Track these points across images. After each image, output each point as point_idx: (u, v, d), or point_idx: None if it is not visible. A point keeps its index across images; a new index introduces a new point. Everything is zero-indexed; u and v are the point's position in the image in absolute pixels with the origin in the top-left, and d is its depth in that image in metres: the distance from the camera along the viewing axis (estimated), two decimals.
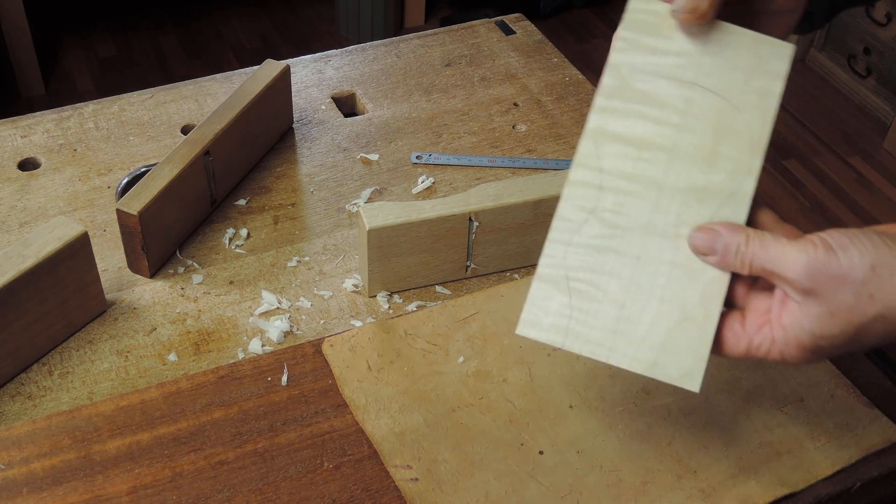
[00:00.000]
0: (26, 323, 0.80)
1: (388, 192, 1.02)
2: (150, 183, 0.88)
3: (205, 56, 2.77)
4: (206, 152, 0.94)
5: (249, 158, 1.03)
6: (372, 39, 2.23)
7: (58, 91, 2.60)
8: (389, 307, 0.89)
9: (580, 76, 1.20)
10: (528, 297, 0.62)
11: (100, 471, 0.72)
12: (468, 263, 0.91)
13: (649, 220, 0.62)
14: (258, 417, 0.76)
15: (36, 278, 0.79)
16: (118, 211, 0.86)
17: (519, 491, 0.72)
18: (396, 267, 0.88)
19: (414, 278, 0.90)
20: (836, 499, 0.74)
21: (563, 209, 0.62)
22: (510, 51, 1.24)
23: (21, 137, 1.06)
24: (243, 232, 0.96)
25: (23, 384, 0.81)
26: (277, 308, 0.88)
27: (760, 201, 0.63)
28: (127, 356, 0.84)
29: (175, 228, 0.93)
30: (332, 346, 0.82)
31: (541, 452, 0.75)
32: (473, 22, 1.29)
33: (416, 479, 0.72)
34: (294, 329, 0.86)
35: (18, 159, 1.03)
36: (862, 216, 2.33)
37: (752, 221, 0.62)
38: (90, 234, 0.86)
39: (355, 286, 0.91)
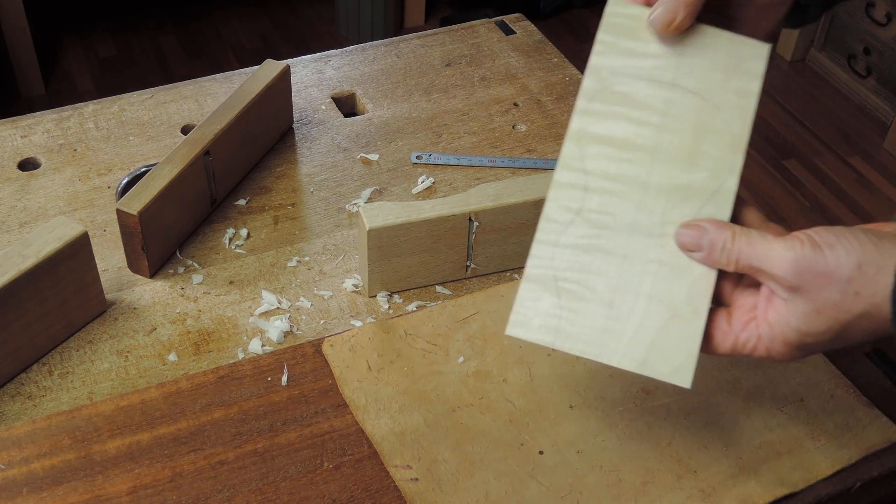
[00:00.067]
0: (26, 323, 0.80)
1: (388, 192, 1.02)
2: (150, 183, 0.88)
3: (205, 56, 2.77)
4: (206, 152, 0.94)
5: (249, 158, 1.03)
6: (372, 39, 2.23)
7: (58, 91, 2.60)
8: (389, 307, 0.89)
9: (580, 76, 1.20)
10: (517, 298, 0.63)
11: (100, 471, 0.72)
12: (468, 263, 0.91)
13: (635, 219, 0.63)
14: (258, 417, 0.76)
15: (36, 278, 0.79)
16: (118, 211, 0.86)
17: (519, 491, 0.72)
18: (396, 267, 0.88)
19: (414, 278, 0.90)
20: (836, 499, 0.74)
21: (548, 210, 0.63)
22: (510, 51, 1.24)
23: (21, 137, 1.06)
24: (243, 232, 0.96)
25: (23, 384, 0.81)
26: (277, 308, 0.88)
27: (746, 201, 0.63)
28: (127, 356, 0.84)
29: (175, 228, 0.93)
30: (332, 346, 0.82)
31: (541, 452, 0.75)
32: (473, 22, 1.29)
33: (416, 479, 0.72)
34: (294, 329, 0.87)
35: (18, 159, 1.04)
36: (862, 216, 2.33)
37: (737, 220, 0.62)
38: (90, 234, 0.86)
39: (355, 286, 0.91)
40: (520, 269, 0.93)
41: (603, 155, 0.63)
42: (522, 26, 1.29)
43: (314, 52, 1.23)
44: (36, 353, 0.83)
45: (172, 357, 0.84)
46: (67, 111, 1.10)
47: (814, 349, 0.60)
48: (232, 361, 0.82)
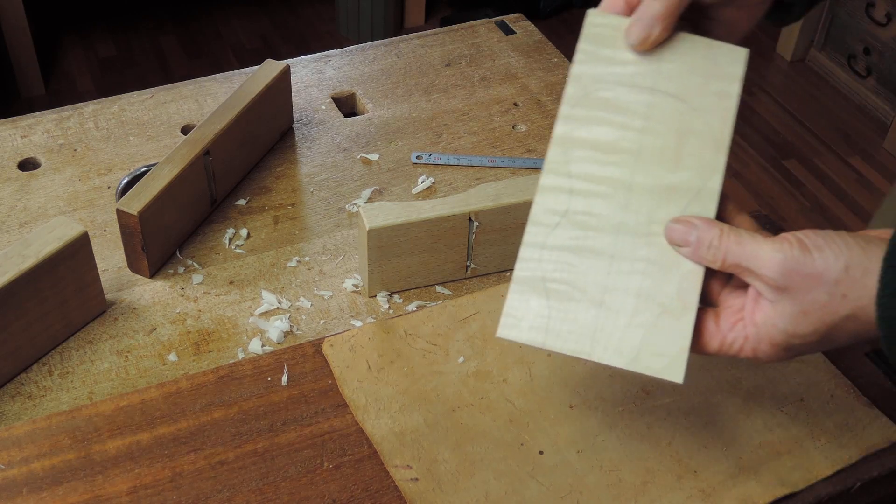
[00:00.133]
0: (26, 323, 0.80)
1: (388, 192, 1.02)
2: (150, 183, 0.88)
3: (205, 56, 2.77)
4: (206, 152, 0.94)
5: (249, 158, 1.03)
6: (372, 39, 2.23)
7: (58, 91, 2.60)
8: (389, 307, 0.89)
9: None
10: (507, 301, 0.63)
11: (100, 471, 0.72)
12: (468, 263, 0.91)
13: (621, 220, 0.63)
14: (258, 417, 0.76)
15: (36, 278, 0.79)
16: (118, 211, 0.86)
17: (519, 491, 0.72)
18: (396, 267, 0.88)
19: (414, 278, 0.90)
20: (836, 499, 0.74)
21: (535, 214, 0.64)
22: (510, 51, 1.24)
23: (21, 137, 1.06)
24: (243, 232, 0.96)
25: (23, 384, 0.81)
26: (277, 308, 0.88)
27: (739, 208, 0.64)
28: (127, 356, 0.84)
29: (175, 228, 0.93)
30: (332, 346, 0.82)
31: (541, 452, 0.75)
32: (473, 22, 1.29)
33: (416, 479, 0.72)
34: (294, 329, 0.87)
35: (18, 159, 1.04)
36: (862, 216, 2.33)
37: (729, 223, 0.63)
38: (90, 234, 0.86)
39: (355, 286, 0.91)
40: None
41: (587, 158, 0.64)
42: (522, 26, 1.29)
43: (314, 52, 1.23)
44: (36, 353, 0.83)
45: (172, 357, 0.84)
46: (67, 111, 1.10)
47: (800, 350, 0.60)
48: (232, 361, 0.82)
